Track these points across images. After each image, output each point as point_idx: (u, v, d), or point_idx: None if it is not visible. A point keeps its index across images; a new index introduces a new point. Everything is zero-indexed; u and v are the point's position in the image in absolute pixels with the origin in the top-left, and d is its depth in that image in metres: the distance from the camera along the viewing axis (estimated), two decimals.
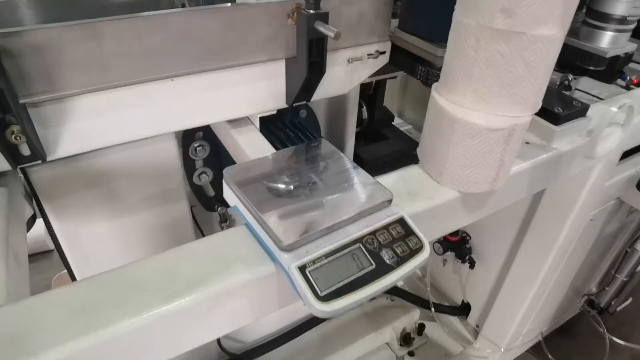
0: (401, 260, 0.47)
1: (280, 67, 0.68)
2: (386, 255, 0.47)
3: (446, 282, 1.40)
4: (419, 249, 0.48)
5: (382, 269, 0.46)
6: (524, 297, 1.12)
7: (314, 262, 0.45)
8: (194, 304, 0.44)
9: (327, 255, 0.45)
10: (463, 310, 1.35)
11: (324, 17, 0.60)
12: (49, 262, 1.69)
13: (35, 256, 1.72)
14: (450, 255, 1.26)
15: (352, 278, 0.45)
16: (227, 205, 0.54)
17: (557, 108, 0.73)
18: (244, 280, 0.46)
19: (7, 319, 0.41)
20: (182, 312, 0.44)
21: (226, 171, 0.53)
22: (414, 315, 1.30)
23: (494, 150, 0.58)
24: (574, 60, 0.90)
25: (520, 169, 0.66)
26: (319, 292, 0.43)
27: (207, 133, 0.86)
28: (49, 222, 0.71)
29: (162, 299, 0.43)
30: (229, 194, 0.54)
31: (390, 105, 1.15)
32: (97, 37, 0.51)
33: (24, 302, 0.42)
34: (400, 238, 0.49)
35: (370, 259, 0.46)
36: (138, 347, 0.43)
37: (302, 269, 0.44)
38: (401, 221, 0.50)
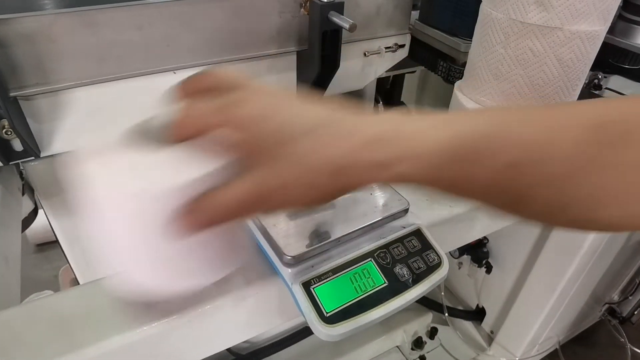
0: (417, 278, 0.43)
1: (291, 61, 0.63)
2: (400, 272, 0.43)
3: (461, 285, 1.36)
4: (436, 265, 0.44)
5: (396, 288, 0.42)
6: (543, 304, 1.08)
7: (319, 278, 0.41)
8: (188, 320, 0.40)
9: (334, 270, 0.42)
10: (477, 315, 1.30)
11: (339, 7, 0.56)
12: (59, 252, 1.68)
13: (46, 245, 1.72)
14: (466, 258, 1.21)
15: (362, 297, 0.40)
16: None
17: None
18: (243, 295, 0.42)
19: None
20: (175, 328, 0.40)
21: None
22: (427, 319, 1.25)
23: None
24: (606, 57, 0.84)
25: None
26: (324, 312, 0.39)
27: None
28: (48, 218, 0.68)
29: (152, 315, 0.39)
30: None
31: (408, 101, 1.10)
32: (93, 25, 0.47)
33: (3, 314, 0.39)
34: (416, 252, 0.45)
35: (383, 276, 0.42)
36: None
37: (306, 285, 0.40)
38: (418, 233, 0.46)
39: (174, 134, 0.30)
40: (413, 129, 0.27)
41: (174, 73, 0.55)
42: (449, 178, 0.27)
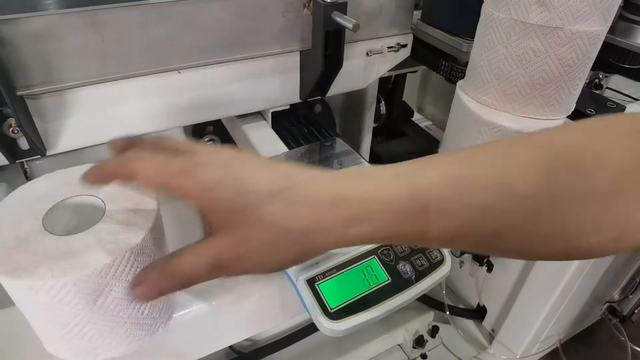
0: (420, 275, 0.43)
1: (294, 60, 0.64)
2: (403, 269, 0.43)
3: (462, 284, 1.36)
4: (439, 262, 0.45)
5: (399, 284, 0.42)
6: (544, 303, 1.08)
7: (323, 274, 0.41)
8: (193, 317, 0.41)
9: (338, 267, 0.42)
10: (478, 313, 1.31)
11: (342, 7, 0.56)
12: None
13: None
14: (467, 257, 1.21)
15: (365, 294, 0.41)
16: None
17: (590, 110, 0.68)
18: (247, 291, 0.43)
19: None
20: (179, 325, 0.41)
21: None
22: (428, 317, 1.26)
23: None
24: (607, 57, 0.85)
25: None
26: (328, 308, 0.39)
27: (218, 127, 0.82)
28: None
29: None
30: None
31: (410, 100, 1.11)
32: (98, 25, 0.48)
33: (14, 308, 0.40)
34: (419, 250, 0.45)
35: (386, 273, 0.43)
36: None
37: (310, 282, 0.41)
38: None
39: (130, 177, 0.29)
40: (372, 186, 0.27)
41: (179, 72, 0.55)
42: (414, 232, 0.26)
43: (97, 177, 0.30)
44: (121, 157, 0.29)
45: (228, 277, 0.28)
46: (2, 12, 0.44)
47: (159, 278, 0.28)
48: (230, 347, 1.06)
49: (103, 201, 0.36)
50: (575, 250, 0.26)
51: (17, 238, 0.32)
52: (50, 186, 0.37)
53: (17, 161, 0.52)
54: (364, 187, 0.27)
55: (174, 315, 0.40)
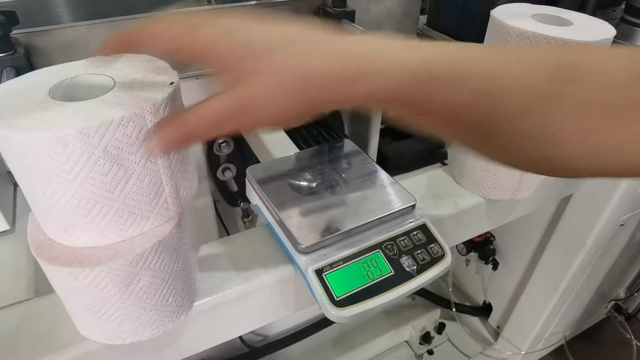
0: (421, 269, 0.46)
1: None
2: (406, 263, 0.46)
3: (468, 282, 1.38)
4: (440, 257, 0.48)
5: (401, 277, 0.45)
6: (548, 300, 1.10)
7: (331, 266, 0.44)
8: (212, 306, 0.44)
9: (344, 259, 0.45)
10: (484, 310, 1.33)
11: (351, 16, 0.60)
12: None
13: None
14: (473, 255, 1.24)
15: (369, 284, 0.44)
16: (249, 201, 0.54)
17: None
18: (262, 283, 0.46)
19: (33, 314, 0.42)
20: (198, 313, 0.44)
21: (249, 170, 0.53)
22: (435, 314, 1.28)
23: None
24: None
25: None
26: (335, 297, 0.43)
27: None
28: None
29: None
30: (251, 193, 0.54)
31: None
32: None
33: (51, 296, 0.43)
34: (421, 245, 0.48)
35: (389, 266, 0.46)
36: (151, 347, 0.44)
37: (319, 272, 0.44)
38: (423, 227, 0.50)
39: (146, 43, 0.30)
40: (385, 47, 0.26)
41: (197, 79, 0.59)
42: (420, 98, 0.26)
43: (110, 47, 0.32)
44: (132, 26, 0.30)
45: (233, 131, 0.28)
46: (35, 24, 0.48)
47: (180, 123, 0.29)
48: (243, 341, 1.09)
49: (113, 79, 0.33)
50: (554, 161, 0.27)
51: (28, 106, 0.30)
52: (54, 70, 0.35)
53: None
54: (375, 47, 0.27)
55: (194, 304, 0.44)
